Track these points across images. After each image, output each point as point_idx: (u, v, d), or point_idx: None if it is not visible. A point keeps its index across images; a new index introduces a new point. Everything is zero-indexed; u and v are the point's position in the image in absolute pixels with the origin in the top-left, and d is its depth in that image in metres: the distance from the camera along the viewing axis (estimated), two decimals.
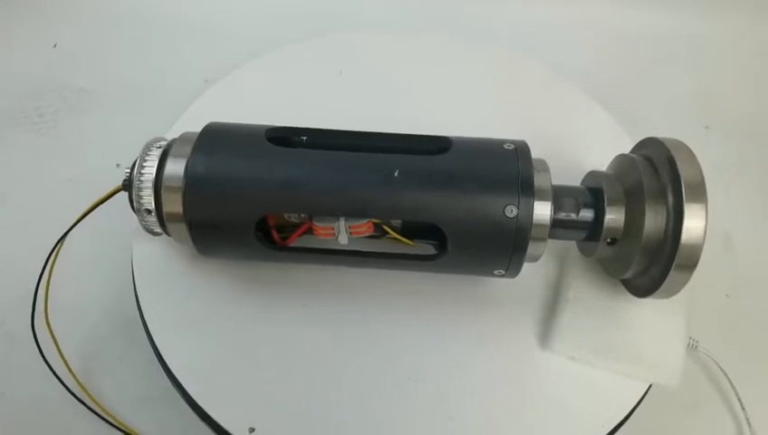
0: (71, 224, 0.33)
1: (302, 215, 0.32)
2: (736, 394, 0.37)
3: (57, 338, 0.34)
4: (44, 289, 0.34)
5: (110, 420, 0.35)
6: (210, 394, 0.31)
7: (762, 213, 0.48)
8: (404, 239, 0.32)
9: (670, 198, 0.29)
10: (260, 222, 0.32)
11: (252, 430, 0.30)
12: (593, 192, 0.32)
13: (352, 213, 0.30)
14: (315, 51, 0.46)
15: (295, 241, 0.32)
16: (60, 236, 0.34)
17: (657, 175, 0.30)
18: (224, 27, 0.59)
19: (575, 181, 0.35)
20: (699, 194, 0.28)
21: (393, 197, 0.29)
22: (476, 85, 0.44)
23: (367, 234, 0.31)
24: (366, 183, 0.29)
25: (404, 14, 0.60)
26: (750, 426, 0.37)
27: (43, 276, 0.34)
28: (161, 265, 0.35)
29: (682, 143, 0.31)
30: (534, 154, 0.32)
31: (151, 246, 0.35)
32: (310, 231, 0.32)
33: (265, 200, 0.29)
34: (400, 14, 0.60)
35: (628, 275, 0.32)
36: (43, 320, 0.34)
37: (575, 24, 0.60)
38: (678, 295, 0.34)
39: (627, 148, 0.35)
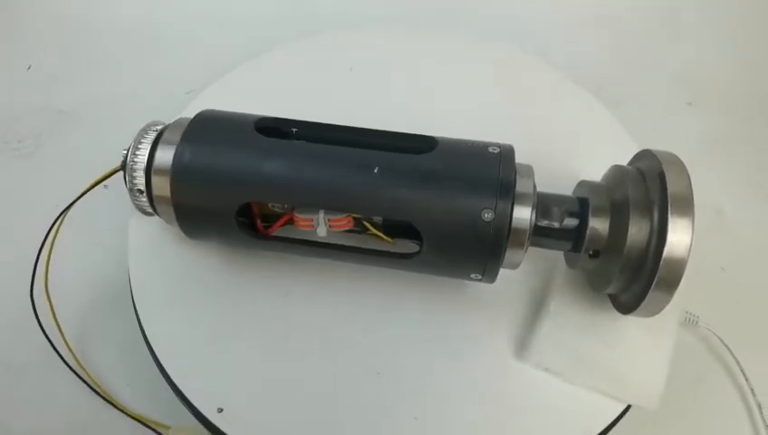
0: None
1: (286, 205, 0.32)
2: (739, 365, 0.38)
3: (55, 308, 0.36)
4: (45, 260, 0.36)
5: (97, 389, 0.37)
6: (185, 372, 0.32)
7: (751, 185, 0.48)
8: (383, 236, 0.32)
9: (655, 212, 0.28)
10: (245, 210, 0.33)
11: (220, 410, 0.31)
12: (580, 202, 0.31)
13: (329, 206, 0.30)
14: (318, 48, 0.47)
15: (278, 231, 0.33)
16: (62, 209, 0.35)
17: (646, 188, 0.29)
18: (202, 37, 0.58)
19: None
20: (685, 209, 0.27)
21: (370, 193, 0.29)
22: (483, 85, 0.44)
23: (346, 228, 0.31)
24: (344, 178, 0.30)
25: (393, 8, 0.60)
26: (754, 395, 0.37)
27: (44, 248, 0.35)
28: (155, 243, 0.36)
29: (676, 157, 0.30)
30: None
31: (147, 224, 0.36)
32: (292, 222, 0.32)
33: (244, 189, 0.30)
34: (389, 9, 0.60)
35: (610, 290, 0.31)
36: (43, 289, 0.36)
37: (552, 6, 0.60)
38: (669, 317, 0.33)
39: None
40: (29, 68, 0.55)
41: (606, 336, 0.33)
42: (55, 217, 0.35)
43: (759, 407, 0.37)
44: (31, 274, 0.36)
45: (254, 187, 0.30)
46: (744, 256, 0.44)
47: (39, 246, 0.35)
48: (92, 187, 0.35)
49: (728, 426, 0.38)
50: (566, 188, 0.34)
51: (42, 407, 0.38)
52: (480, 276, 0.31)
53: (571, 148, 0.40)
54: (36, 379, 0.38)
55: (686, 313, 0.37)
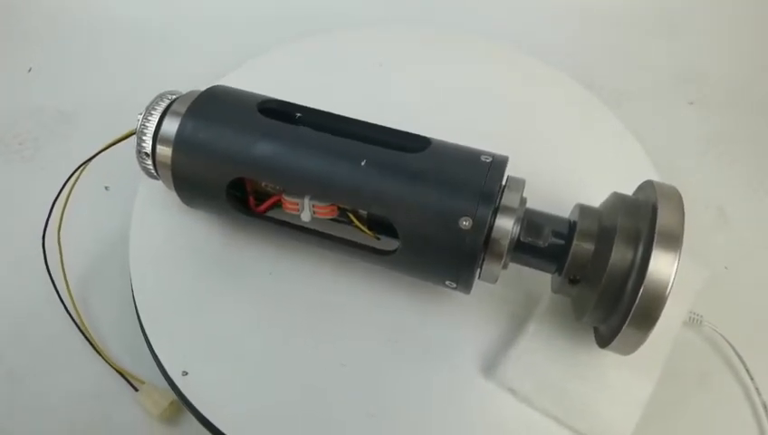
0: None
1: (277, 187, 0.33)
2: (744, 365, 0.37)
3: (63, 255, 0.39)
4: (61, 208, 0.38)
5: (87, 336, 0.39)
6: (160, 331, 0.34)
7: (752, 184, 0.48)
8: (365, 230, 0.32)
9: (641, 244, 0.27)
10: (241, 186, 0.34)
11: (185, 373, 0.32)
12: (570, 224, 0.30)
13: (313, 192, 0.31)
14: (317, 48, 0.47)
15: (269, 211, 0.34)
16: (82, 162, 0.38)
17: (638, 219, 0.28)
18: (202, 38, 0.58)
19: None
20: (672, 244, 0.26)
21: (353, 184, 0.30)
22: (483, 85, 0.45)
23: (329, 216, 0.32)
24: (330, 166, 0.30)
25: (391, 9, 0.60)
26: (759, 394, 0.36)
27: (60, 197, 0.38)
28: (159, 207, 0.38)
29: (675, 192, 0.28)
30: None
31: (155, 188, 0.38)
32: (281, 204, 0.33)
33: (235, 166, 0.31)
34: (387, 10, 0.60)
35: (587, 319, 0.30)
36: (55, 236, 0.38)
37: (552, 6, 0.60)
38: (654, 359, 0.32)
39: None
40: (29, 70, 0.54)
41: (581, 368, 0.32)
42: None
43: (764, 406, 0.36)
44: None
45: (243, 165, 0.31)
46: (748, 255, 0.44)
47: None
48: (112, 144, 0.37)
49: (733, 426, 0.37)
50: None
51: (36, 347, 0.40)
52: (455, 284, 0.31)
53: (571, 148, 0.40)
54: (38, 324, 0.41)
55: (690, 312, 0.37)
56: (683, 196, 0.27)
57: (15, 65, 0.56)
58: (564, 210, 0.32)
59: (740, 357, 0.37)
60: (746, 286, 0.42)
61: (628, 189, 0.32)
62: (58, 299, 0.39)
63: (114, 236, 0.43)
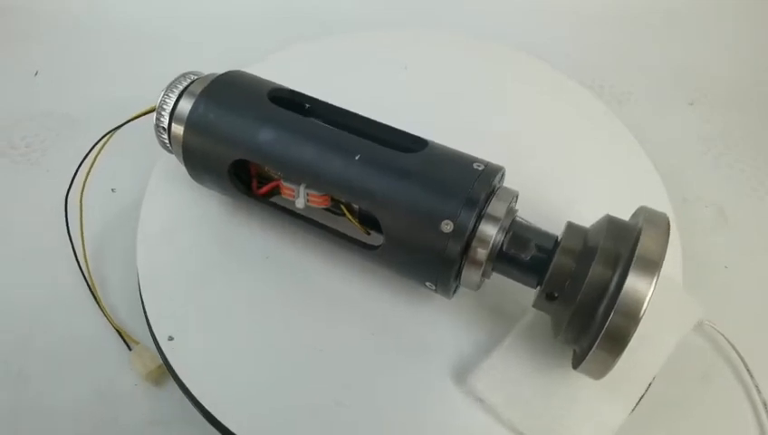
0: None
1: (278, 173, 0.34)
2: (744, 364, 0.37)
3: (84, 216, 0.41)
4: (85, 173, 0.40)
5: (94, 293, 0.41)
6: (153, 293, 0.36)
7: (752, 184, 0.49)
8: (357, 223, 0.33)
9: (619, 266, 0.26)
10: (246, 170, 0.35)
11: (171, 338, 0.34)
12: (555, 241, 0.30)
13: (309, 181, 0.32)
14: (319, 49, 0.49)
15: (269, 196, 0.35)
16: (110, 130, 0.40)
17: (622, 242, 0.28)
18: (211, 41, 0.59)
19: None
20: (650, 271, 0.25)
21: (345, 177, 0.30)
22: (485, 85, 0.45)
23: (323, 206, 0.33)
24: (325, 157, 0.31)
25: (391, 11, 0.61)
26: (759, 392, 0.37)
27: (86, 160, 0.40)
28: (172, 179, 0.40)
29: (664, 218, 0.28)
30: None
31: (171, 162, 0.40)
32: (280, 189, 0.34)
33: (237, 149, 0.33)
34: (387, 12, 0.61)
35: (561, 338, 0.29)
36: (78, 198, 0.41)
37: (554, 6, 0.61)
38: (631, 388, 0.31)
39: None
40: (36, 73, 0.55)
41: (554, 387, 0.31)
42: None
43: (765, 405, 0.36)
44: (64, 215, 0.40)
45: (244, 148, 0.32)
46: (748, 255, 0.44)
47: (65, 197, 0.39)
48: (136, 117, 0.39)
49: (734, 424, 0.37)
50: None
51: (47, 300, 0.42)
52: (434, 287, 0.31)
53: (571, 148, 0.41)
54: (51, 306, 0.42)
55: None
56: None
57: (22, 69, 0.57)
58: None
59: (740, 356, 0.37)
60: (746, 286, 0.42)
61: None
62: (75, 271, 0.41)
63: (120, 226, 0.44)
